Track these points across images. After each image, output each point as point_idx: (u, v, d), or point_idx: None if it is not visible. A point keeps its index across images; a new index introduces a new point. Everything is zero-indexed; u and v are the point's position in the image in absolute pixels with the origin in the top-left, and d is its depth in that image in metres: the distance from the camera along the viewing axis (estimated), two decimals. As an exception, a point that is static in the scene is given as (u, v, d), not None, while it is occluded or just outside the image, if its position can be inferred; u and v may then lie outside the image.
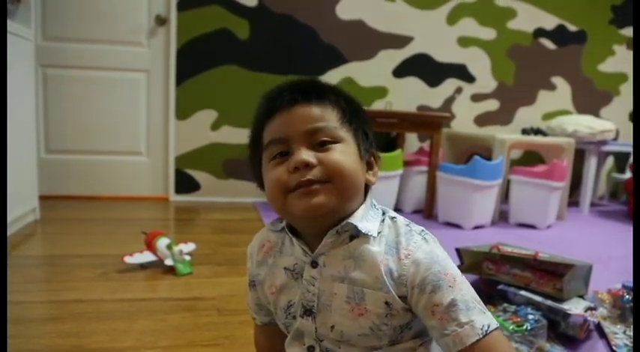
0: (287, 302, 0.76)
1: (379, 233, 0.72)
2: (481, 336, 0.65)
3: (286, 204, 0.70)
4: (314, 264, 0.73)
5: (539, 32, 3.73)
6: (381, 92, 3.44)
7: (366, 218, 0.72)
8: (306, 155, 0.68)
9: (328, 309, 0.72)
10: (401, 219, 0.75)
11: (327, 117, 0.71)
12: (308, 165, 0.67)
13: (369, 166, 0.77)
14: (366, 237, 0.71)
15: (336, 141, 0.70)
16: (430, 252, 0.70)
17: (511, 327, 1.34)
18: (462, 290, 0.68)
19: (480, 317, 0.67)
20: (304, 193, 0.68)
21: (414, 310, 0.70)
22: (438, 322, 0.67)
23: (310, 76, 0.78)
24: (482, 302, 0.70)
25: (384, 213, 0.76)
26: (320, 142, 0.70)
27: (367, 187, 0.76)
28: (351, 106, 0.75)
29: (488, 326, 0.67)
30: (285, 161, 0.70)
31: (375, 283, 0.69)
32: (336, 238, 0.71)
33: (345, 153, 0.70)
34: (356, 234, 0.71)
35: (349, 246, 0.71)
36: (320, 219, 0.70)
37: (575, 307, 1.44)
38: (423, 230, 0.74)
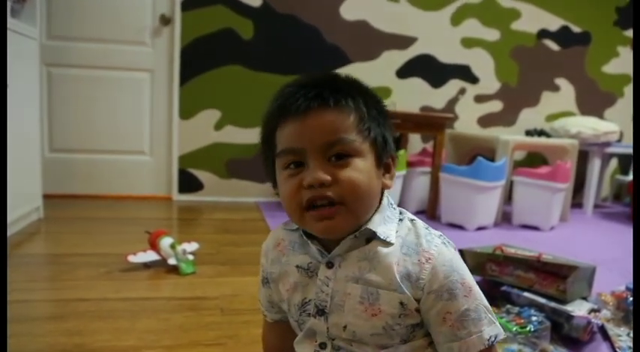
0: (301, 300, 0.76)
1: (396, 233, 0.72)
2: (486, 346, 0.68)
3: (304, 221, 0.70)
4: (329, 265, 0.73)
5: (543, 33, 3.72)
6: (384, 93, 3.44)
7: (384, 222, 0.72)
8: (321, 173, 0.66)
9: (341, 309, 0.72)
10: (420, 221, 0.75)
11: (344, 127, 0.68)
12: (323, 184, 0.66)
13: (387, 168, 0.75)
14: (382, 239, 0.71)
15: (352, 154, 0.68)
16: (451, 259, 0.70)
17: (514, 329, 1.33)
18: (476, 299, 0.69)
19: (490, 328, 0.69)
20: (319, 217, 0.67)
21: (423, 314, 0.70)
22: (449, 329, 0.68)
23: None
24: (492, 311, 0.71)
25: (401, 213, 0.76)
26: (336, 155, 0.67)
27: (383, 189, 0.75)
28: (371, 110, 0.71)
29: (495, 337, 0.69)
30: (299, 173, 0.68)
31: (390, 284, 0.69)
32: (352, 242, 0.71)
33: (360, 170, 0.67)
34: (372, 237, 0.71)
35: (365, 247, 0.71)
36: (339, 236, 0.71)
37: (578, 309, 1.44)
38: (441, 234, 0.74)
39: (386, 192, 0.76)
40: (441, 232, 0.75)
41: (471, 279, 0.70)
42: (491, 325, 0.69)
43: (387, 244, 0.70)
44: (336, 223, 0.67)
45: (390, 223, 0.73)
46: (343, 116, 0.68)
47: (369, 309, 0.70)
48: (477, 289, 0.70)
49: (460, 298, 0.68)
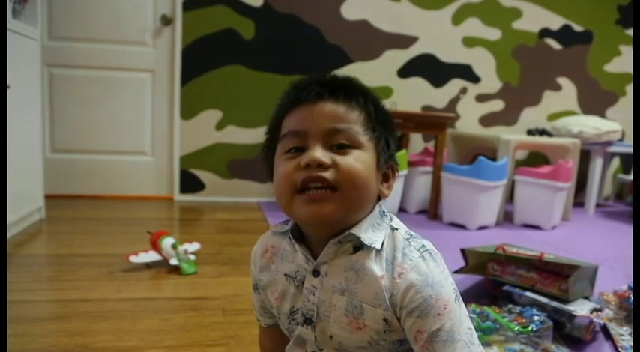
0: (290, 308, 0.74)
1: (382, 245, 0.68)
2: None
3: (292, 205, 0.67)
4: (315, 273, 0.70)
5: (545, 32, 3.72)
6: (386, 92, 3.43)
7: (372, 228, 0.69)
8: (321, 154, 0.64)
9: (327, 320, 0.70)
10: (402, 231, 0.71)
11: (352, 120, 0.67)
12: (321, 165, 0.63)
13: (385, 178, 0.72)
14: (369, 249, 0.67)
15: (355, 146, 0.66)
16: (425, 273, 0.65)
17: (516, 328, 1.33)
18: (450, 319, 0.63)
19: None
20: (311, 200, 0.64)
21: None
22: (420, 349, 0.64)
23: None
24: (473, 333, 0.65)
25: (391, 219, 0.73)
26: (338, 144, 0.66)
27: (378, 198, 0.73)
28: (378, 113, 0.71)
29: None
30: (298, 156, 0.66)
31: (375, 299, 0.66)
32: (338, 248, 0.68)
33: (361, 161, 0.66)
34: (360, 246, 0.68)
35: (352, 257, 0.68)
36: (324, 226, 0.67)
37: (580, 308, 1.44)
38: (423, 245, 0.69)
39: (380, 203, 0.74)
40: (428, 241, 0.70)
41: (448, 295, 0.64)
42: (466, 349, 0.63)
43: (374, 256, 0.67)
44: (326, 210, 0.64)
45: (379, 231, 0.69)
46: (352, 111, 0.68)
47: (354, 322, 0.67)
48: (454, 307, 0.64)
49: (431, 316, 0.63)
